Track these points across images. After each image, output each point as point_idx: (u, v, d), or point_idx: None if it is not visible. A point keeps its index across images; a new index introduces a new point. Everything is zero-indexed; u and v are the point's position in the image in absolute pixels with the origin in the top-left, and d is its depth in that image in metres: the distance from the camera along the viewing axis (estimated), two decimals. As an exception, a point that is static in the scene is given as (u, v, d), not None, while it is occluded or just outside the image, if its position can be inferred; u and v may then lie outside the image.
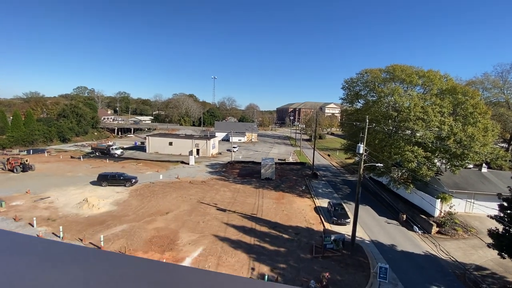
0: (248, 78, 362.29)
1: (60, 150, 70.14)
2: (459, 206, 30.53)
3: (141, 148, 76.07)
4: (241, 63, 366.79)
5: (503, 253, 17.97)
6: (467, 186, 31.44)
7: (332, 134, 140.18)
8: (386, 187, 37.66)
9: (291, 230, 27.30)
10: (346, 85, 41.81)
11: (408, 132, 31.98)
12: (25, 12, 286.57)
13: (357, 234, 24.85)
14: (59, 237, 23.21)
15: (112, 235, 24.11)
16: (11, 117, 77.20)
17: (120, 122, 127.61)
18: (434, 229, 27.98)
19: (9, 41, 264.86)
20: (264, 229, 27.19)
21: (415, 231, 28.21)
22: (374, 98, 37.82)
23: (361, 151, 22.55)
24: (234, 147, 75.94)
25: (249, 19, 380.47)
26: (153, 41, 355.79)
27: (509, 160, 40.83)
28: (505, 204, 18.41)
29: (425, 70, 35.05)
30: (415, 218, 30.45)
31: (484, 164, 34.92)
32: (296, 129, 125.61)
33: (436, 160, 31.58)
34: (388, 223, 30.73)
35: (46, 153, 64.24)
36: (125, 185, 39.06)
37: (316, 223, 29.50)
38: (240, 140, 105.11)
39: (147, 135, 78.75)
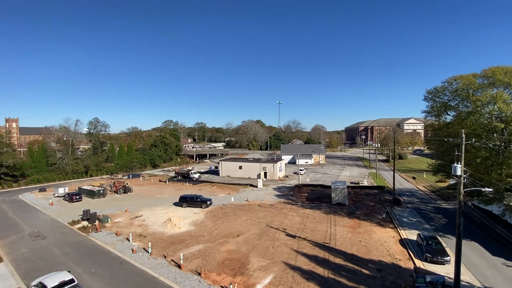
0: (312, 100, 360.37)
1: (151, 175, 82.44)
2: None
3: (215, 172, 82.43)
4: (306, 85, 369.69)
5: None
6: None
7: (420, 151, 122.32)
8: (500, 218, 29.65)
9: (372, 264, 23.85)
10: (430, 96, 36.54)
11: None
12: (122, 54, 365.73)
13: (462, 277, 19.78)
14: (148, 252, 26.32)
15: (190, 254, 25.90)
16: (117, 148, 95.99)
17: (198, 149, 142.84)
18: None
19: (112, 84, 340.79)
20: (339, 260, 24.63)
21: (555, 281, 20.72)
22: (469, 109, 31.65)
23: (458, 173, 18.58)
24: (301, 170, 74.30)
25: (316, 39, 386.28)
26: (224, 76, 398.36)
27: None
28: None
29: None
30: (553, 262, 22.54)
31: None
32: (369, 149, 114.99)
33: None
34: (507, 265, 23.65)
35: (141, 177, 76.43)
36: (201, 207, 42.34)
37: (404, 259, 25.05)
38: (307, 162, 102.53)
39: (220, 160, 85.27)
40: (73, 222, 35.90)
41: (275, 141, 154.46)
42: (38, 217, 39.51)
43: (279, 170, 73.94)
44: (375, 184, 61.94)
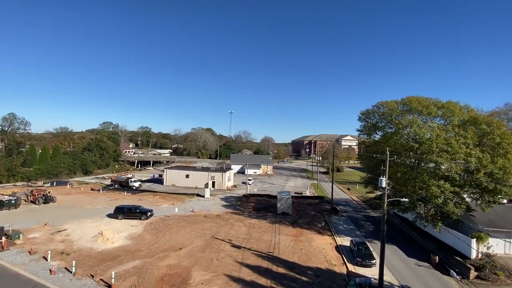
0: (263, 111, 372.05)
1: (81, 182, 72.62)
2: (497, 246, 27.40)
3: (159, 180, 77.25)
4: (257, 97, 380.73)
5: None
6: (504, 224, 28.41)
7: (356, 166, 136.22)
8: (413, 224, 34.84)
9: (311, 272, 25.24)
10: (363, 117, 41.48)
11: (432, 165, 30.37)
12: (57, 49, 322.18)
13: (384, 278, 22.45)
14: (71, 272, 22.79)
15: (123, 272, 23.36)
16: (40, 151, 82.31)
17: (140, 155, 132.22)
18: (473, 273, 24.84)
19: (42, 79, 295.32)
20: (281, 270, 25.37)
21: (451, 276, 25.16)
22: (392, 130, 37.02)
23: (383, 185, 21.39)
24: (250, 180, 75.23)
25: (263, 54, 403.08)
26: (175, 78, 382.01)
27: None
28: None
29: (443, 101, 34.41)
30: (449, 260, 27.38)
31: (521, 200, 31.91)
32: (312, 162, 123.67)
33: (465, 196, 29.28)
34: (418, 265, 27.79)
35: (68, 185, 66.62)
36: (140, 218, 38.92)
37: (338, 264, 27.22)
38: (256, 172, 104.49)
39: (165, 168, 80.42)
40: (-31, 240, 28.94)
41: (225, 150, 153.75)
42: None
43: (228, 179, 73.46)
44: (316, 194, 66.52)
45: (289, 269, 25.39)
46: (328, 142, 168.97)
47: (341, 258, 28.63)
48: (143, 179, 79.12)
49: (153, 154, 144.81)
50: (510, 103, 50.71)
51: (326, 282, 23.31)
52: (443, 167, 28.97)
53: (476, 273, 24.89)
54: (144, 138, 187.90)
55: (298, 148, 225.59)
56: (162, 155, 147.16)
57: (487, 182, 26.67)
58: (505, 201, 33.18)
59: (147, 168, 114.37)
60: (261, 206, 51.61)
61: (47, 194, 48.07)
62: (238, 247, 30.46)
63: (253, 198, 59.84)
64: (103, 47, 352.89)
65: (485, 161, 27.18)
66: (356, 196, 66.85)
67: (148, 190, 63.21)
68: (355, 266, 26.60)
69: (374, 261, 26.47)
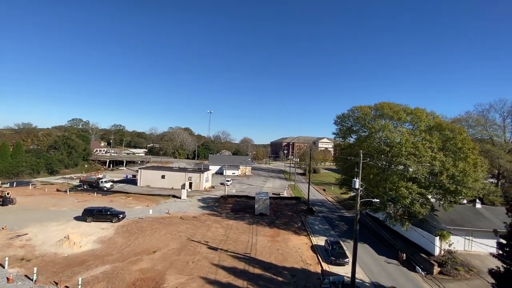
0: (243, 112, 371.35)
1: (46, 183, 67.58)
2: (458, 244, 29.62)
3: (133, 181, 74.09)
4: (237, 98, 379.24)
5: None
6: (463, 223, 30.84)
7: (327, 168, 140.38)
8: (383, 224, 36.65)
9: (287, 272, 25.57)
10: (339, 120, 42.98)
11: (401, 167, 32.21)
12: (21, 39, 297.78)
13: (356, 275, 23.33)
14: (31, 279, 21.08)
15: (92, 278, 22.05)
16: (-1, 148, 75.32)
17: (113, 154, 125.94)
18: (436, 269, 26.64)
19: (3, 71, 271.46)
20: (257, 270, 25.41)
21: (417, 272, 26.77)
22: (366, 134, 38.73)
23: (357, 186, 22.27)
24: (228, 181, 74.70)
25: (246, 54, 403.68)
26: (152, 74, 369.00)
27: (500, 196, 41.00)
28: (503, 241, 17.85)
29: (412, 108, 36.69)
30: (415, 257, 29.14)
31: (477, 200, 34.79)
32: (290, 163, 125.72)
33: (430, 196, 31.38)
34: (388, 262, 29.25)
35: (31, 186, 61.71)
36: (111, 221, 37.05)
37: (314, 264, 27.84)
38: (234, 173, 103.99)
39: (139, 168, 77.28)
40: None
41: (203, 151, 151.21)
42: None
43: (206, 180, 72.34)
44: (294, 195, 67.64)
45: (265, 270, 25.51)
46: (306, 144, 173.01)
47: (316, 258, 29.33)
48: (115, 179, 75.44)
49: (127, 153, 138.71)
50: (470, 111, 55.34)
51: (302, 281, 23.73)
52: (411, 170, 30.87)
53: (439, 269, 26.71)
54: (118, 137, 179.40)
55: (277, 150, 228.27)
56: (137, 154, 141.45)
57: (449, 183, 28.78)
58: (465, 201, 36.01)
59: (120, 168, 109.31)
60: (239, 207, 51.44)
61: (5, 195, 44.09)
62: (215, 249, 30.06)
63: (231, 199, 59.45)
64: (72, 39, 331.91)
65: (447, 164, 29.32)
66: (331, 197, 68.95)
67: (120, 191, 60.35)
68: (329, 265, 27.39)
69: (348, 259, 27.42)
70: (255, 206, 47.09)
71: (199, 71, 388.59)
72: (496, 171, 49.96)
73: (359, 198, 22.34)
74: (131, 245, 29.80)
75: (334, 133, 44.41)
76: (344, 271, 25.55)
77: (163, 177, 69.10)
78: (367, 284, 24.27)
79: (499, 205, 38.70)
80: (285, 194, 67.93)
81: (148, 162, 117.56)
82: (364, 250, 32.22)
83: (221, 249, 29.95)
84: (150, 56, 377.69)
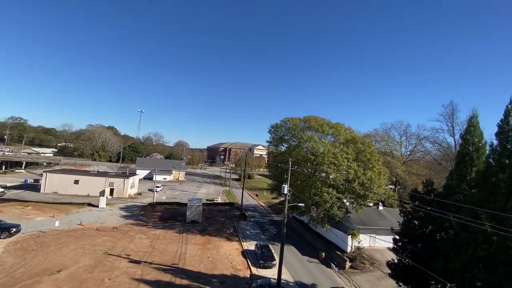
0: (179, 114, 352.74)
1: None
2: (365, 241, 34.65)
3: (34, 187, 61.22)
4: (172, 100, 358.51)
5: (399, 282, 20.66)
6: (370, 223, 36.39)
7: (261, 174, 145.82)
8: (307, 226, 40.09)
9: (216, 279, 25.12)
10: (272, 129, 45.49)
11: (324, 174, 36.08)
12: None
13: (282, 276, 24.68)
14: None
15: (-40, 314, 16.99)
16: None
17: (7, 153, 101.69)
18: (347, 264, 30.51)
19: None
20: (184, 282, 24.16)
21: (332, 268, 30.08)
22: (296, 143, 42.08)
23: (285, 191, 23.82)
24: (158, 187, 69.42)
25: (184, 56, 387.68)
26: (68, 62, 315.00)
27: (396, 199, 50.29)
28: (397, 237, 21.84)
29: (333, 122, 41.83)
30: (332, 255, 32.78)
31: (380, 203, 41.66)
32: (226, 168, 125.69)
33: (345, 200, 36.03)
34: (310, 262, 31.97)
35: None
36: (0, 237, 29.62)
37: (243, 269, 28.18)
38: (166, 178, 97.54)
39: (44, 171, 64.48)
40: None
41: (130, 153, 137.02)
42: None
43: (131, 186, 65.43)
44: (228, 201, 67.58)
45: (193, 280, 24.49)
46: (242, 150, 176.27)
47: (246, 262, 29.81)
48: (9, 184, 61.01)
49: (28, 153, 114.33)
50: (377, 128, 66.74)
51: (231, 287, 23.68)
52: (331, 177, 34.88)
53: (350, 264, 30.67)
54: (16, 132, 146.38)
55: (213, 155, 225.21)
56: (42, 155, 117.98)
57: (360, 189, 33.67)
58: (371, 204, 42.57)
59: (18, 170, 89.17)
60: (169, 215, 48.30)
61: None
62: (138, 262, 27.29)
63: (161, 206, 55.37)
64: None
65: (359, 173, 34.29)
66: (263, 202, 71.70)
67: (15, 199, 48.92)
68: (258, 269, 28.20)
69: (275, 262, 28.78)
70: (187, 213, 45.05)
71: (129, 66, 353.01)
72: (394, 179, 61.03)
73: (287, 202, 23.88)
74: (26, 264, 24.34)
75: (268, 141, 46.72)
76: (271, 273, 26.68)
77: (76, 182, 59.37)
78: (291, 283, 25.92)
79: (396, 207, 47.25)
80: (219, 200, 67.27)
81: (58, 164, 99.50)
82: (290, 251, 34.43)
83: (145, 262, 27.37)
84: (61, 41, 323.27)
